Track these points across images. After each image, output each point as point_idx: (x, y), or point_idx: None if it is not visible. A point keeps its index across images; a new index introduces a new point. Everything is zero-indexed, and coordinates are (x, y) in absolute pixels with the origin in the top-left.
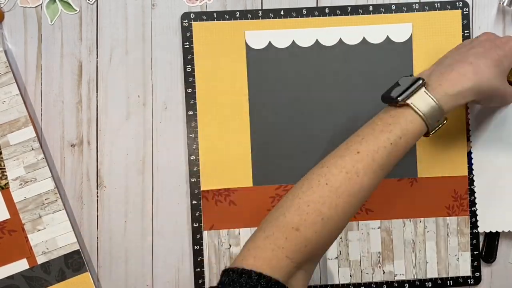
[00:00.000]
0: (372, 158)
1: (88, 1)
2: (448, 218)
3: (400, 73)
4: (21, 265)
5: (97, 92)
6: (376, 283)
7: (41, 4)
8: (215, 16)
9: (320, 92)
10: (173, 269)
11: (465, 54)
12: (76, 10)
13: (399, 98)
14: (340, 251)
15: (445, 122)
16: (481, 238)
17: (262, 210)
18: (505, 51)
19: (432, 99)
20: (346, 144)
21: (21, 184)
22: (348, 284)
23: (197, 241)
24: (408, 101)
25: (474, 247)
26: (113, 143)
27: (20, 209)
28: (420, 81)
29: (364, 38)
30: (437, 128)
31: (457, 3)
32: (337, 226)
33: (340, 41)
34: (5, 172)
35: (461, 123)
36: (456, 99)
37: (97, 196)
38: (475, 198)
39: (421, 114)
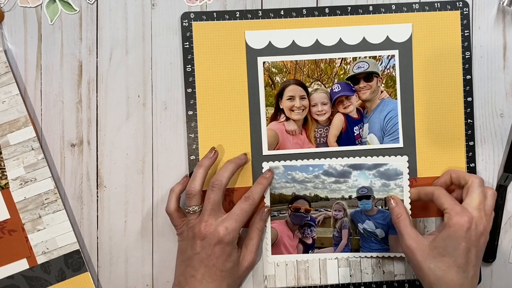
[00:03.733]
0: None
1: (88, 1)
2: None
3: (400, 73)
4: (21, 265)
5: (97, 92)
6: (376, 283)
7: (41, 4)
8: (215, 16)
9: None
10: (173, 269)
11: (194, 283)
12: (76, 10)
13: None
14: None
15: None
16: None
17: (261, 210)
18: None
19: None
20: None
21: (21, 184)
22: (348, 284)
23: None
24: None
25: None
26: (113, 143)
27: (20, 209)
28: None
29: (364, 38)
30: None
31: (457, 3)
32: None
33: (340, 41)
34: (5, 172)
35: (460, 122)
36: None
37: (97, 196)
38: None
39: None
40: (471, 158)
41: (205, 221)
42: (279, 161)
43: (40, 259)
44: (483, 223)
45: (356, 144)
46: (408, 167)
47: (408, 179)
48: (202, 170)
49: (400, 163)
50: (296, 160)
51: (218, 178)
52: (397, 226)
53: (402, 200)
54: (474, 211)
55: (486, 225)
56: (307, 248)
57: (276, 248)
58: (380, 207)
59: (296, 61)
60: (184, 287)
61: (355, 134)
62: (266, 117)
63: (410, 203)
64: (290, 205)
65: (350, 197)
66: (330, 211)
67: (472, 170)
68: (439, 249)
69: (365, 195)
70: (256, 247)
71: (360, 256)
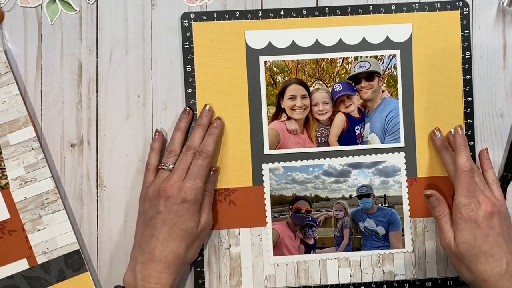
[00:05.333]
0: None
1: (88, 1)
2: None
3: (400, 73)
4: (21, 265)
5: (97, 92)
6: (376, 283)
7: (41, 4)
8: (215, 16)
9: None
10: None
11: (155, 243)
12: (76, 10)
13: None
14: None
15: None
16: None
17: (261, 210)
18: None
19: None
20: None
21: (21, 184)
22: (348, 284)
23: None
24: None
25: None
26: (113, 143)
27: (20, 209)
28: None
29: (364, 38)
30: None
31: (457, 3)
32: None
33: (340, 41)
34: (5, 172)
35: (460, 122)
36: None
37: (97, 196)
38: None
39: None
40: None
41: (172, 181)
42: (279, 162)
43: (40, 259)
44: (485, 204)
45: (357, 144)
46: (405, 163)
47: (407, 180)
48: (180, 133)
49: (397, 159)
50: (296, 161)
51: (204, 146)
52: (438, 223)
53: (400, 199)
54: (466, 198)
55: (490, 204)
56: (309, 249)
57: (278, 249)
58: (380, 205)
59: (298, 60)
60: (144, 248)
61: (356, 133)
62: (268, 117)
63: (408, 198)
64: (290, 206)
65: (350, 196)
66: (331, 211)
67: None
68: (463, 245)
69: (365, 193)
70: (209, 207)
71: (361, 255)
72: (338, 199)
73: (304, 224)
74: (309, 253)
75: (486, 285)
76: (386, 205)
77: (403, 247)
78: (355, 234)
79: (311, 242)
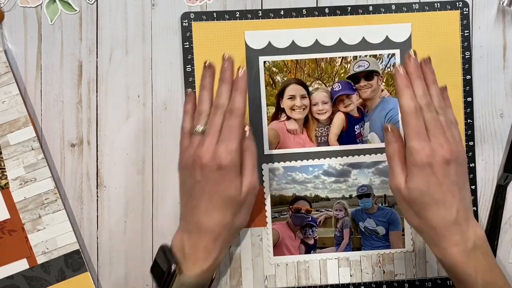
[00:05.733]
0: None
1: (88, 1)
2: None
3: None
4: (21, 265)
5: (97, 92)
6: (376, 282)
7: (41, 4)
8: (215, 16)
9: None
10: None
11: (198, 214)
12: (76, 10)
13: None
14: None
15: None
16: None
17: (261, 210)
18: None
19: (190, 281)
20: None
21: (21, 184)
22: (348, 284)
23: None
24: None
25: None
26: (113, 143)
27: (20, 209)
28: (174, 268)
29: (363, 38)
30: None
31: (457, 3)
32: None
33: (340, 41)
34: (5, 172)
35: (460, 122)
36: (215, 266)
37: (97, 196)
38: (474, 197)
39: None
40: (471, 158)
41: (205, 147)
42: (279, 162)
43: (40, 259)
44: (442, 150)
45: (357, 143)
46: None
47: None
48: (206, 91)
49: None
50: (296, 161)
51: (234, 104)
52: (389, 161)
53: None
54: (417, 142)
55: (449, 150)
56: (309, 249)
57: (278, 249)
58: (380, 205)
59: (297, 60)
60: (189, 219)
61: (356, 133)
62: (267, 117)
63: None
64: (291, 206)
65: (350, 196)
66: (331, 211)
67: (472, 170)
68: (415, 191)
69: (365, 193)
70: (251, 168)
71: (361, 255)
72: (338, 199)
73: (304, 224)
74: (309, 253)
75: (434, 232)
76: (386, 205)
77: (403, 247)
78: (355, 234)
79: (311, 242)
